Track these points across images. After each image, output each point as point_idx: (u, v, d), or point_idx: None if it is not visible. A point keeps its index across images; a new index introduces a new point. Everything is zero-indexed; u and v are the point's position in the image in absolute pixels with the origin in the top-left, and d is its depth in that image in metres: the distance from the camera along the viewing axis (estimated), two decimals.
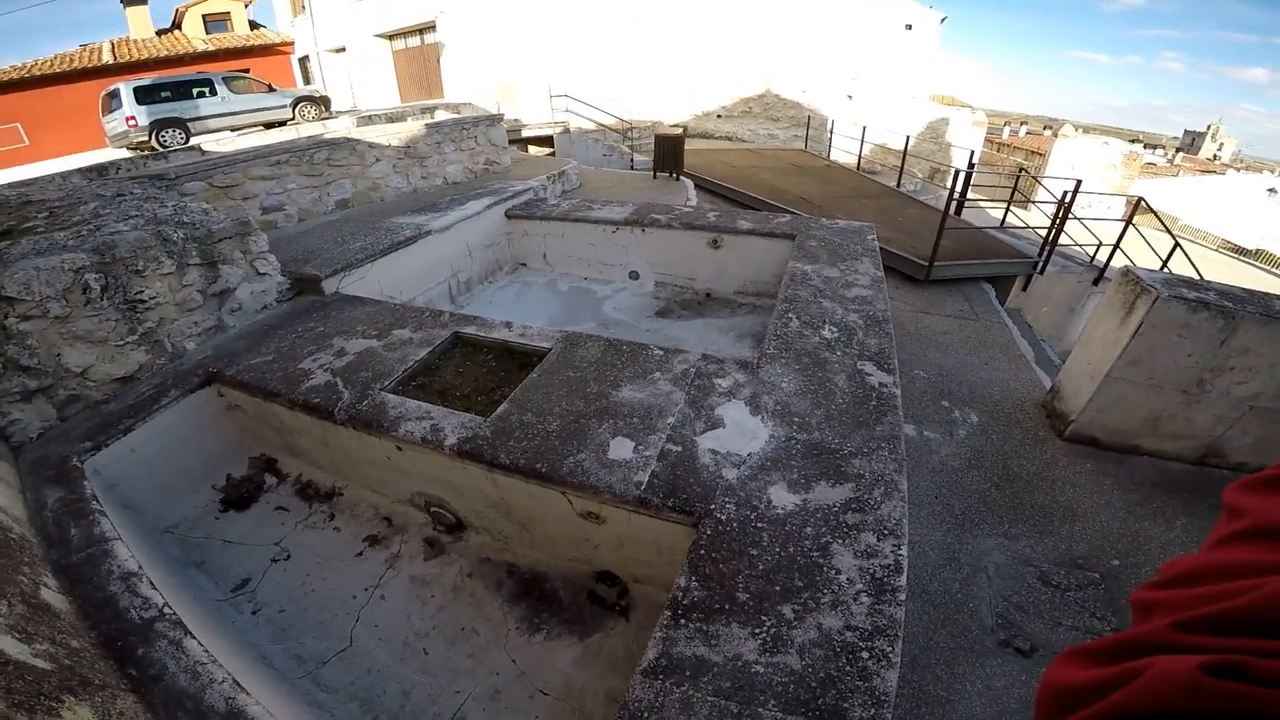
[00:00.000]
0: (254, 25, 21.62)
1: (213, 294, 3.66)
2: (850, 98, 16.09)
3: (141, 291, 3.24)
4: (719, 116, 16.07)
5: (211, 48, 18.98)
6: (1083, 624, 2.71)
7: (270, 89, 12.99)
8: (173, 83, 11.75)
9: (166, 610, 1.91)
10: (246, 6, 21.34)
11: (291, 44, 20.64)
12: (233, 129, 11.98)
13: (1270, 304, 3.31)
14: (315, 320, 3.77)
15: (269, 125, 12.24)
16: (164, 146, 10.80)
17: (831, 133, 14.05)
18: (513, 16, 13.80)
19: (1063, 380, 4.11)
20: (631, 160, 12.27)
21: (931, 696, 2.42)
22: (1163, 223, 7.39)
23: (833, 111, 15.64)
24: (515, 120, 13.80)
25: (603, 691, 2.27)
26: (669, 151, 9.68)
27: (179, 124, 11.45)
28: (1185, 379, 3.44)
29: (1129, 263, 4.48)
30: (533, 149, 14.43)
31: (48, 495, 2.45)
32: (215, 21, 20.79)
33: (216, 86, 11.99)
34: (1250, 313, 3.19)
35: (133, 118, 11.01)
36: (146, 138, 11.14)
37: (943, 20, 16.50)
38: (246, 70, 16.58)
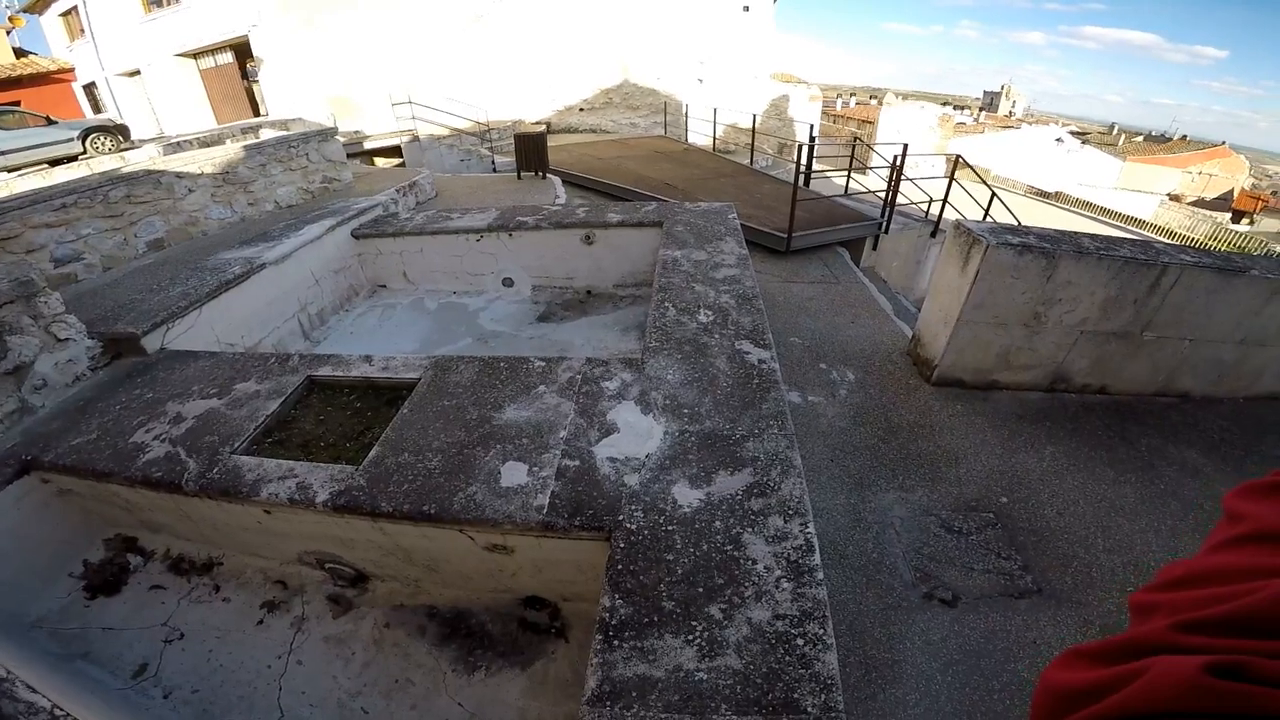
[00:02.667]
0: (20, 53, 18.52)
1: (4, 373, 3.03)
2: (701, 81, 16.62)
3: None
4: (581, 110, 15.98)
5: None
6: (992, 565, 2.89)
7: (50, 121, 11.17)
8: None
9: (57, 712, 1.77)
10: (9, 33, 18.25)
11: (71, 70, 17.92)
12: (8, 170, 10.18)
13: (1080, 241, 3.75)
14: (141, 385, 3.23)
15: (55, 162, 10.52)
16: None
17: (687, 117, 14.43)
18: (343, 24, 12.77)
19: (921, 329, 4.44)
20: (493, 162, 11.85)
21: (877, 661, 2.48)
22: (980, 176, 8.25)
23: (687, 96, 16.08)
24: (356, 132, 12.86)
25: (562, 717, 2.20)
26: (532, 150, 9.43)
27: None
28: (1024, 314, 3.82)
29: (959, 215, 4.92)
30: (379, 161, 13.56)
31: None
32: None
33: None
34: (1066, 250, 3.59)
35: None
36: None
37: (775, 0, 17.41)
38: (17, 102, 14.27)
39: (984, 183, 8.10)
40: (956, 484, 3.38)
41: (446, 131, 13.32)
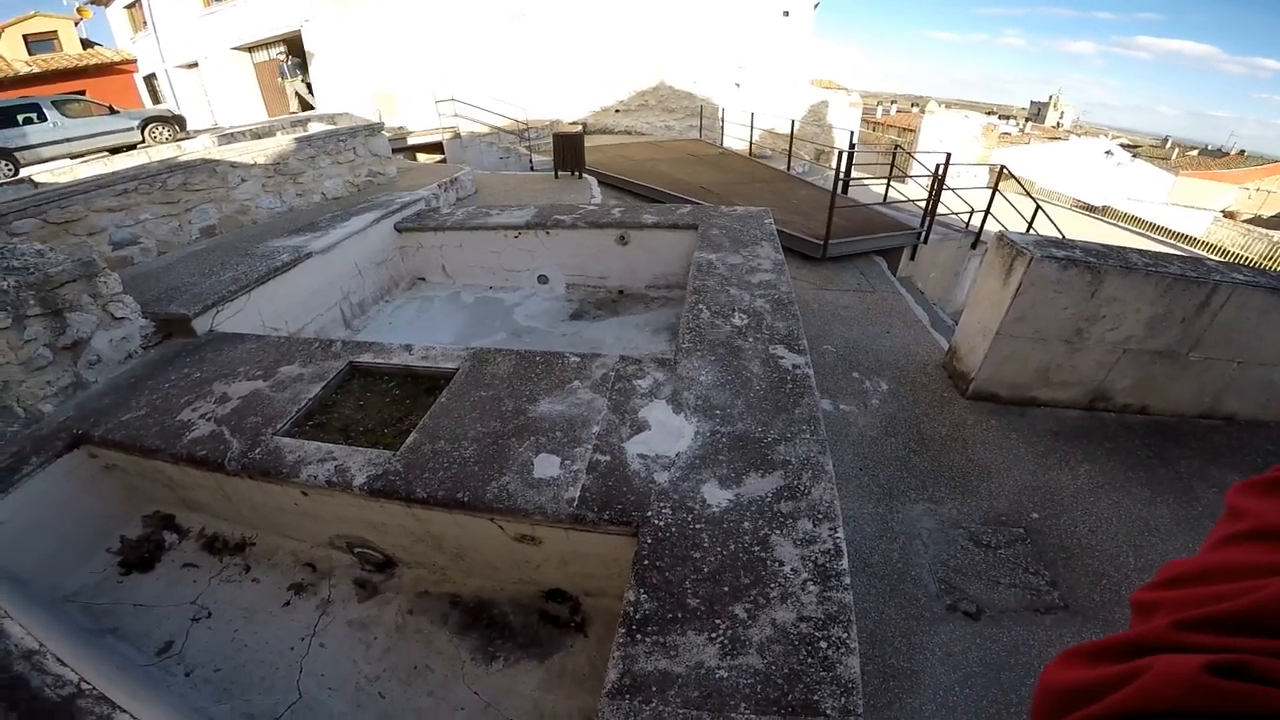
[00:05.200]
0: (87, 44, 19.39)
1: (63, 347, 3.18)
2: (738, 85, 16.57)
3: None
4: (617, 111, 16.08)
5: (37, 69, 16.87)
6: (1019, 580, 2.85)
7: (112, 111, 11.69)
8: None
9: (85, 685, 1.76)
10: (76, 25, 19.15)
11: (134, 62, 18.69)
12: (71, 157, 10.70)
13: (1127, 257, 3.65)
14: (189, 365, 3.36)
15: (115, 150, 11.02)
16: None
17: (723, 121, 14.37)
18: (389, 21, 13.09)
19: (958, 341, 4.37)
20: (530, 161, 12.01)
21: (897, 670, 2.46)
22: (1024, 187, 8.07)
23: (723, 100, 16.04)
24: (400, 128, 13.16)
25: (576, 712, 2.20)
26: (569, 150, 9.53)
27: (5, 155, 10.14)
28: (1066, 330, 3.73)
29: (1001, 227, 4.82)
30: (421, 157, 13.84)
31: None
32: (39, 41, 18.59)
33: (46, 111, 10.70)
34: (1112, 266, 3.50)
35: None
36: None
37: (815, 6, 17.27)
38: (82, 92, 14.92)
39: (1028, 194, 7.92)
40: (987, 498, 3.32)
41: (486, 129, 13.55)
